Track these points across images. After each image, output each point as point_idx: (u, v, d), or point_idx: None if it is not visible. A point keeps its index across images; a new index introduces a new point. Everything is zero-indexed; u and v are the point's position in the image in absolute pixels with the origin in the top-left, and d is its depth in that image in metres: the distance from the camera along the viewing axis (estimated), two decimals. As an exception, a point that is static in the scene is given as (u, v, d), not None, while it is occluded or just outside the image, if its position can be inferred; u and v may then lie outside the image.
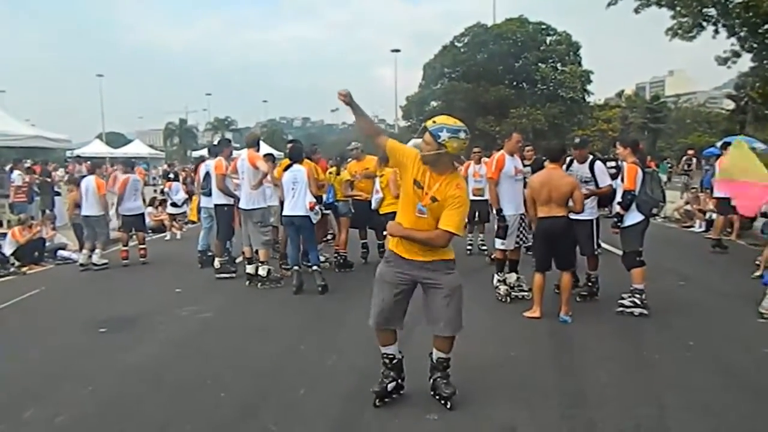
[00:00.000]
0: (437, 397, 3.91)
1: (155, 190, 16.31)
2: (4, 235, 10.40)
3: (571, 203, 5.80)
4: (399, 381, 4.00)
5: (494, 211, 6.69)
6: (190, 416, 3.87)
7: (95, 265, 9.24)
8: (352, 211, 8.55)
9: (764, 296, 5.97)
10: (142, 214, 10.24)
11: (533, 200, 5.93)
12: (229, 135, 68.53)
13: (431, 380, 3.96)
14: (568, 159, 6.66)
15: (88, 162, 12.18)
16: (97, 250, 9.38)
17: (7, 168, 14.75)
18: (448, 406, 3.83)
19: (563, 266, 5.89)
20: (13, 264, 9.45)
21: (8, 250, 9.67)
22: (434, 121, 3.57)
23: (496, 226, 6.68)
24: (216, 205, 8.34)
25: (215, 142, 10.22)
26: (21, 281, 8.75)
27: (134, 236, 9.93)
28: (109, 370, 4.77)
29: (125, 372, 4.73)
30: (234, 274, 8.24)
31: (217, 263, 8.38)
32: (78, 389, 4.36)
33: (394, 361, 3.96)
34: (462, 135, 3.53)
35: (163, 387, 4.38)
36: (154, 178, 29.76)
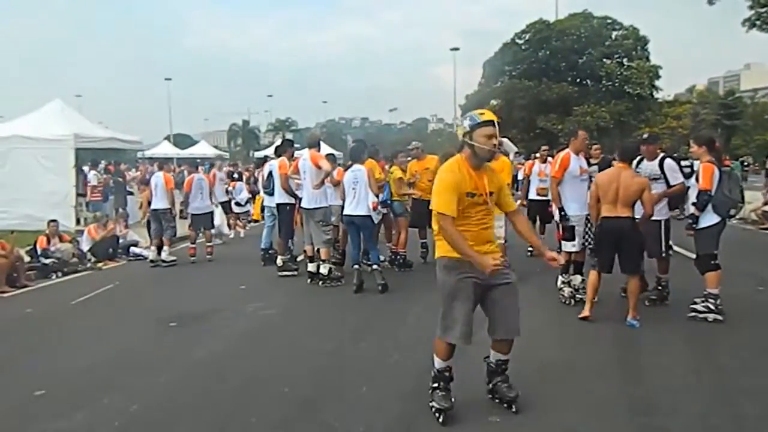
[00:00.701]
0: (499, 400, 3.84)
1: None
2: (82, 232, 11.00)
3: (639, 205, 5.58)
4: None
5: (556, 211, 6.54)
6: (254, 410, 3.97)
7: (164, 261, 9.64)
8: (408, 210, 8.55)
9: None
10: (211, 213, 10.60)
11: (597, 198, 5.74)
12: (289, 135, 69.84)
13: (491, 384, 3.89)
14: (637, 158, 6.43)
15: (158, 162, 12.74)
16: (165, 248, 9.78)
17: (84, 168, 15.55)
18: (513, 410, 3.76)
19: (629, 270, 5.67)
20: (90, 260, 9.98)
21: (85, 247, 10.22)
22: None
23: (560, 228, 6.52)
24: (278, 204, 8.52)
25: (278, 143, 10.46)
26: (97, 276, 9.23)
27: (202, 234, 10.29)
28: (179, 363, 4.96)
29: (194, 365, 4.91)
30: (296, 272, 8.39)
31: (279, 261, 8.56)
32: (150, 380, 4.56)
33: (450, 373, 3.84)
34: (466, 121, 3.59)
35: (228, 380, 4.51)
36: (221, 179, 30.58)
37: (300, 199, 8.00)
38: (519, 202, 9.85)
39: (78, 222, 13.26)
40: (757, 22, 14.80)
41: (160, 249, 9.77)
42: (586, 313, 5.74)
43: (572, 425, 3.62)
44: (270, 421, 3.81)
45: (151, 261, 9.80)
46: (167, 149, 34.38)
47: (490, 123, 3.49)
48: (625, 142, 6.22)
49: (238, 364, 4.90)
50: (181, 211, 11.31)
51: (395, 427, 3.71)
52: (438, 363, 3.73)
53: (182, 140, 56.90)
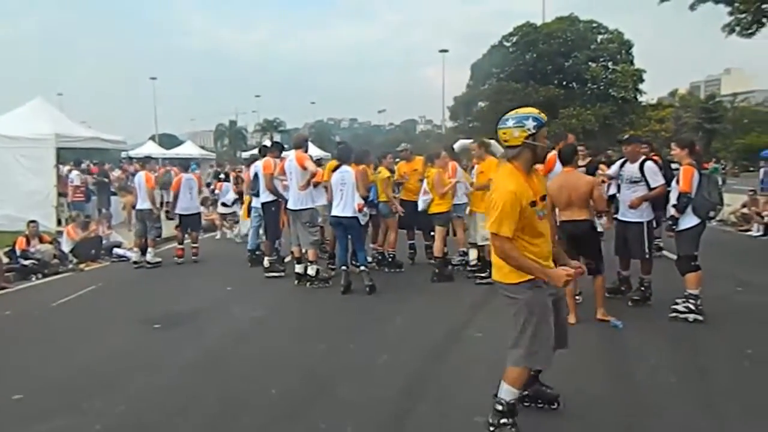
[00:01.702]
0: (542, 403, 3.84)
1: (211, 191, 16.71)
2: (62, 233, 10.89)
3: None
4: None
5: None
6: (241, 413, 3.97)
7: (149, 263, 9.58)
8: (393, 212, 8.58)
9: None
10: (198, 214, 10.54)
11: (552, 206, 5.81)
12: (277, 136, 69.71)
13: (528, 392, 3.79)
14: (621, 160, 6.54)
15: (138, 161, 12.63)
16: (150, 249, 9.71)
17: (66, 168, 15.39)
18: (555, 406, 3.82)
19: (590, 272, 5.74)
20: (71, 261, 9.87)
21: (66, 248, 10.11)
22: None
23: None
24: (263, 204, 8.51)
25: (265, 143, 10.44)
26: (79, 277, 9.13)
27: (188, 235, 10.23)
28: (164, 365, 4.94)
29: (179, 366, 4.89)
30: (283, 273, 8.39)
31: (266, 262, 8.55)
32: (135, 382, 4.54)
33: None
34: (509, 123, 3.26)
35: (214, 383, 4.51)
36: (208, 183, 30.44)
37: (286, 200, 8.00)
38: None
39: (59, 222, 13.09)
40: (737, 28, 15.01)
41: (144, 250, 9.70)
42: (572, 320, 5.78)
43: (558, 424, 3.68)
44: (258, 422, 3.82)
45: (135, 262, 9.72)
46: (152, 149, 34.03)
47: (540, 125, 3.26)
48: (565, 146, 6.27)
49: (224, 366, 4.89)
50: (167, 212, 11.25)
51: (384, 427, 3.74)
52: (512, 394, 3.39)
53: (168, 140, 56.43)
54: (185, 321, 6.27)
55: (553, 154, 6.58)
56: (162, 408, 4.07)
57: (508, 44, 44.21)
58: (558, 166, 6.44)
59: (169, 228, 10.86)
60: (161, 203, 11.59)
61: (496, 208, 3.18)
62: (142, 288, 8.38)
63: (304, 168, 7.54)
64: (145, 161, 10.90)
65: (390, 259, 8.68)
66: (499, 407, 3.39)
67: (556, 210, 5.73)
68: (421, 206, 8.05)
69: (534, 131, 3.22)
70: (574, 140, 6.84)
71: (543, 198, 3.33)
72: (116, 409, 4.03)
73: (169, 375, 4.71)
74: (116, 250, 10.65)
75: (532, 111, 3.29)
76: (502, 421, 3.38)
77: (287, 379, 4.51)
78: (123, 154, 24.36)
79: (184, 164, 10.90)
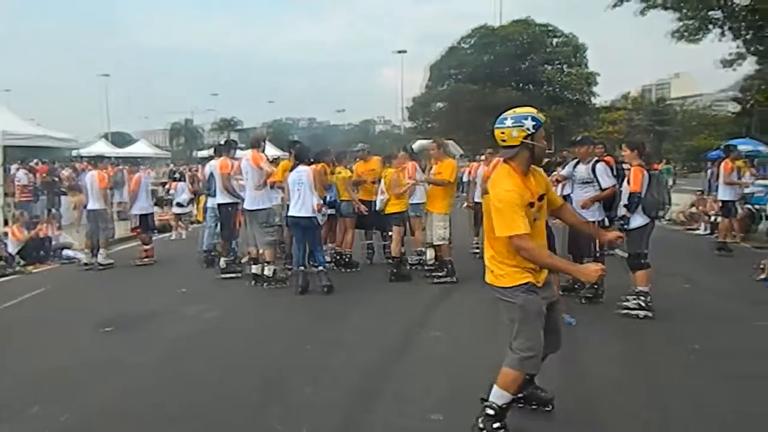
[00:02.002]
0: (536, 405, 3.80)
1: (166, 191, 16.37)
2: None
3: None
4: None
5: None
6: (195, 416, 3.89)
7: (100, 264, 9.29)
8: (356, 211, 8.57)
9: None
10: (152, 214, 10.28)
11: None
12: (234, 135, 68.69)
13: (523, 394, 3.74)
14: (573, 161, 6.69)
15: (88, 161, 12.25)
16: (101, 250, 9.42)
17: (13, 167, 14.82)
18: (549, 408, 3.79)
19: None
20: (18, 263, 9.50)
21: (13, 249, 9.72)
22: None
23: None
24: (219, 205, 8.38)
25: (221, 142, 10.28)
26: (26, 280, 8.80)
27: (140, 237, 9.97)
28: (114, 369, 4.79)
29: (130, 371, 4.75)
30: (239, 274, 8.26)
31: (222, 263, 8.41)
32: (83, 388, 4.39)
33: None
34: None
35: (167, 386, 4.41)
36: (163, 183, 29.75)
37: (243, 200, 7.89)
38: (465, 205, 10.03)
39: (6, 223, 12.58)
40: (685, 34, 15.56)
41: (94, 251, 9.41)
42: None
43: (511, 422, 3.71)
44: (212, 426, 3.75)
45: (85, 264, 9.43)
46: (103, 148, 33.03)
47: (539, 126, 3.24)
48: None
49: (177, 369, 4.78)
50: (118, 212, 10.94)
51: (340, 427, 3.71)
52: (506, 397, 3.34)
53: (120, 139, 54.88)
54: (137, 324, 6.10)
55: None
56: (110, 414, 3.95)
57: (465, 46, 44.71)
58: None
59: (121, 229, 10.58)
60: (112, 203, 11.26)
61: (500, 211, 3.11)
62: (92, 290, 8.13)
63: (260, 168, 7.45)
64: (98, 160, 10.59)
65: (347, 260, 8.65)
66: (491, 411, 3.34)
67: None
68: (378, 206, 8.07)
69: (533, 131, 3.19)
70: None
71: (540, 198, 3.29)
72: (62, 416, 3.88)
73: (120, 380, 4.57)
74: (66, 252, 10.32)
75: (531, 110, 3.26)
76: (495, 425, 3.33)
77: (242, 382, 4.44)
78: (73, 153, 23.61)
79: (135, 163, 10.60)
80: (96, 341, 5.61)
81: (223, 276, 8.24)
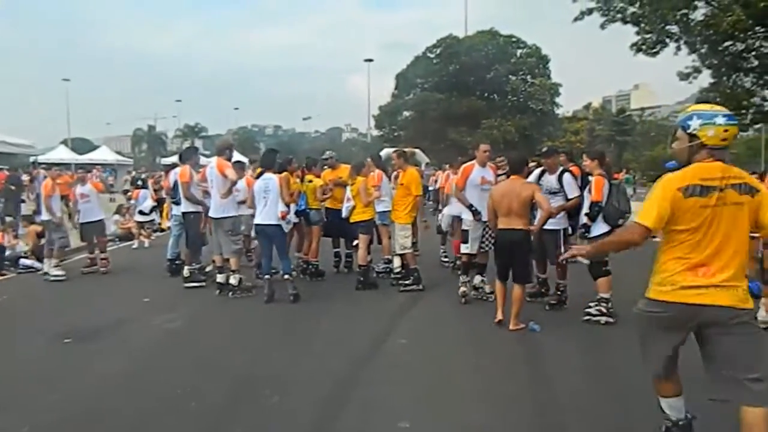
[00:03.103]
0: None
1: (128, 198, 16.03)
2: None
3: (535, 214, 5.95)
4: None
5: (467, 213, 6.94)
6: (160, 426, 3.82)
7: (50, 275, 8.93)
8: (325, 219, 8.55)
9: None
10: (102, 221, 9.98)
11: (494, 212, 6.04)
12: (199, 142, 67.86)
13: None
14: (539, 170, 6.83)
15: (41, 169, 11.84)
16: (49, 260, 9.10)
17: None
18: None
19: (518, 280, 5.94)
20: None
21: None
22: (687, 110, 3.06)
23: (461, 230, 7.01)
24: (184, 213, 8.28)
25: (186, 149, 10.14)
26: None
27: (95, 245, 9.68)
28: (74, 381, 4.67)
29: (91, 383, 4.63)
30: (203, 283, 8.14)
31: (186, 272, 8.28)
32: (42, 400, 4.26)
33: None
34: (720, 120, 2.87)
35: (130, 398, 4.30)
36: (112, 187, 29.09)
37: (208, 208, 7.80)
38: (425, 226, 10.07)
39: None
40: (643, 47, 16.04)
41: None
42: (499, 316, 5.98)
43: (477, 426, 3.77)
44: (176, 437, 3.69)
45: (45, 273, 9.15)
46: (64, 154, 32.38)
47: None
48: (512, 154, 6.71)
49: (140, 380, 4.68)
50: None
51: (306, 437, 3.70)
52: None
53: (81, 145, 53.69)
54: (100, 334, 5.94)
55: (471, 163, 6.92)
56: (72, 426, 3.85)
57: (431, 55, 45.21)
58: (475, 174, 6.82)
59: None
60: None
61: None
62: (51, 301, 7.88)
63: (225, 176, 7.38)
64: (48, 167, 10.26)
65: (313, 269, 8.62)
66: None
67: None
68: (344, 213, 8.08)
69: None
70: (486, 149, 7.22)
71: None
72: (21, 429, 3.76)
73: (81, 391, 4.44)
74: (22, 261, 9.99)
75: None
76: None
77: (207, 392, 4.37)
78: (31, 159, 22.99)
79: (88, 170, 10.30)
80: (55, 352, 5.43)
81: (187, 285, 8.11)
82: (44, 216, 9.19)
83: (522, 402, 4.12)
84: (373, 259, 8.38)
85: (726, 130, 2.86)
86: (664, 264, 3.04)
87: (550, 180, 6.62)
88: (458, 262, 7.83)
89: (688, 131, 2.94)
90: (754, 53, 14.54)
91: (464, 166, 7.10)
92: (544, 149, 7.34)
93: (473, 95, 42.62)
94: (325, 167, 9.14)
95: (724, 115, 2.89)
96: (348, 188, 8.14)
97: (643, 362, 3.27)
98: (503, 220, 5.92)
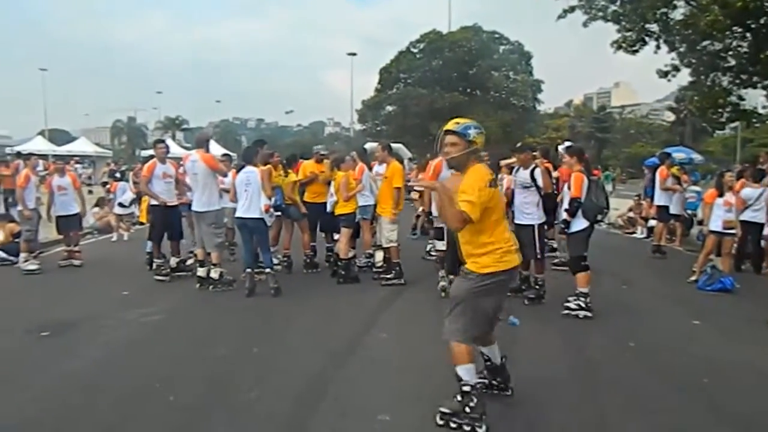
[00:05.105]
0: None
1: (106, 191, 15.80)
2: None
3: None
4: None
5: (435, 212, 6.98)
6: (137, 421, 3.80)
7: (23, 270, 8.78)
8: (303, 213, 8.53)
9: None
10: (78, 215, 9.86)
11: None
12: (180, 134, 67.13)
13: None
14: (514, 166, 6.94)
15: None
16: (22, 254, 8.98)
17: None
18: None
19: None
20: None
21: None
22: (457, 122, 3.63)
23: (435, 228, 7.10)
24: (150, 205, 8.31)
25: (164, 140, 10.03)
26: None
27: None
28: (51, 375, 4.62)
29: (69, 376, 4.59)
30: (167, 278, 8.07)
31: (155, 264, 8.25)
32: (17, 395, 4.22)
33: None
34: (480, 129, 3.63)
35: (109, 391, 4.27)
36: (90, 179, 28.66)
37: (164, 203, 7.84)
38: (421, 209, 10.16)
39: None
40: (624, 45, 16.17)
41: (31, 253, 9.00)
42: None
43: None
44: (154, 431, 3.67)
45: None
46: (41, 145, 31.74)
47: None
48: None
49: (119, 373, 4.65)
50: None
51: (286, 430, 3.71)
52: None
53: (59, 136, 52.79)
54: (77, 327, 5.88)
55: (440, 159, 7.00)
56: (48, 420, 3.81)
57: (415, 50, 45.15)
58: (445, 170, 6.87)
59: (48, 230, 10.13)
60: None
61: None
62: (28, 293, 7.75)
63: (216, 167, 7.37)
64: (26, 158, 10.08)
65: (308, 261, 8.64)
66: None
67: None
68: (329, 208, 8.09)
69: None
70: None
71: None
72: (-5, 424, 3.72)
73: (58, 385, 4.40)
74: (-2, 253, 9.81)
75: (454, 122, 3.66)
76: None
77: (185, 386, 4.35)
78: (8, 150, 22.57)
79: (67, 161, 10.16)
80: (32, 346, 5.36)
81: (157, 278, 8.04)
82: (19, 207, 9.04)
83: (495, 396, 4.16)
84: (356, 254, 8.39)
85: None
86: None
87: (524, 175, 6.72)
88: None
89: (468, 139, 3.54)
90: (731, 53, 14.74)
91: (434, 162, 7.13)
92: (518, 145, 7.46)
93: (456, 90, 42.64)
94: (319, 160, 9.04)
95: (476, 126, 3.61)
96: (332, 183, 8.14)
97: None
98: None
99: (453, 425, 3.60)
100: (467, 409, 3.56)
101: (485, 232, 3.55)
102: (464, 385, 3.57)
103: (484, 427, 3.54)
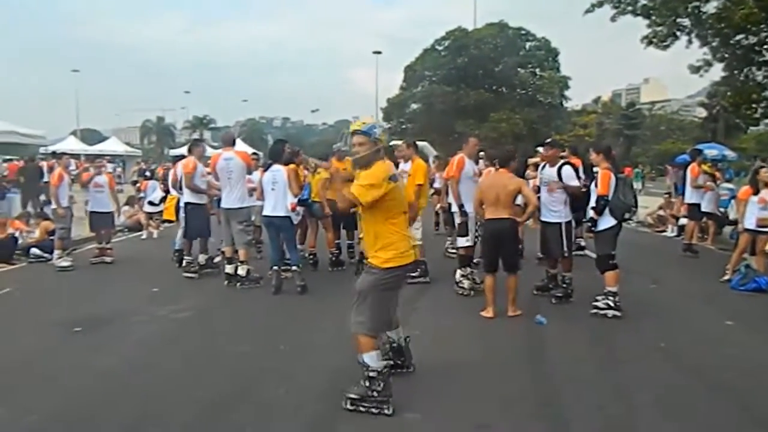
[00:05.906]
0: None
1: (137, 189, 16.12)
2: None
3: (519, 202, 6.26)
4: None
5: (456, 208, 7.14)
6: (166, 415, 3.87)
7: (57, 267, 8.97)
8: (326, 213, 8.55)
9: None
10: (112, 213, 10.07)
11: (481, 202, 6.15)
12: (207, 133, 68.02)
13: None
14: (542, 164, 6.87)
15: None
16: (56, 251, 9.19)
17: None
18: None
19: (509, 269, 6.07)
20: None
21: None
22: (363, 123, 3.86)
23: (457, 224, 7.09)
24: (185, 204, 8.33)
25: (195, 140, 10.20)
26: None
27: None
28: (83, 370, 4.72)
29: (100, 372, 4.68)
30: (195, 275, 8.17)
31: (184, 261, 8.38)
32: (50, 389, 4.32)
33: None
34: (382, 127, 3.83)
35: (138, 386, 4.36)
36: (120, 178, 29.18)
37: (212, 199, 7.89)
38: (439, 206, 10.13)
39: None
40: (654, 40, 15.87)
41: (64, 250, 9.22)
42: (489, 314, 6.02)
43: (481, 418, 3.79)
44: (182, 425, 3.74)
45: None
46: (73, 145, 32.46)
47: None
48: (501, 149, 6.94)
49: (148, 369, 4.74)
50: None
51: (311, 427, 3.74)
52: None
53: (91, 136, 53.99)
54: (109, 324, 6.00)
55: (461, 155, 7.21)
56: (80, 414, 3.91)
57: (440, 48, 44.90)
58: (468, 166, 7.17)
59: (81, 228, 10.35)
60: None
61: None
62: (62, 290, 7.92)
63: (252, 166, 7.52)
64: (58, 156, 10.33)
65: (333, 258, 8.70)
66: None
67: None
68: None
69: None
70: (476, 143, 7.64)
71: None
72: (28, 418, 3.81)
73: (90, 380, 4.50)
74: (33, 250, 10.06)
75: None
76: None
77: (213, 382, 4.42)
78: (42, 150, 23.09)
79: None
80: (65, 342, 5.49)
81: (185, 275, 8.15)
82: (53, 205, 9.27)
83: (526, 395, 4.15)
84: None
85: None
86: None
87: (551, 172, 6.62)
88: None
89: (374, 138, 3.74)
90: (766, 47, 14.37)
91: (456, 158, 7.23)
92: (548, 140, 7.41)
93: (481, 88, 42.28)
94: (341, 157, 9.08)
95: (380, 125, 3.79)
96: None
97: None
98: (490, 210, 6.01)
99: (362, 409, 3.79)
100: (375, 393, 3.76)
101: (387, 228, 3.77)
102: (371, 371, 3.76)
103: (391, 408, 3.75)
